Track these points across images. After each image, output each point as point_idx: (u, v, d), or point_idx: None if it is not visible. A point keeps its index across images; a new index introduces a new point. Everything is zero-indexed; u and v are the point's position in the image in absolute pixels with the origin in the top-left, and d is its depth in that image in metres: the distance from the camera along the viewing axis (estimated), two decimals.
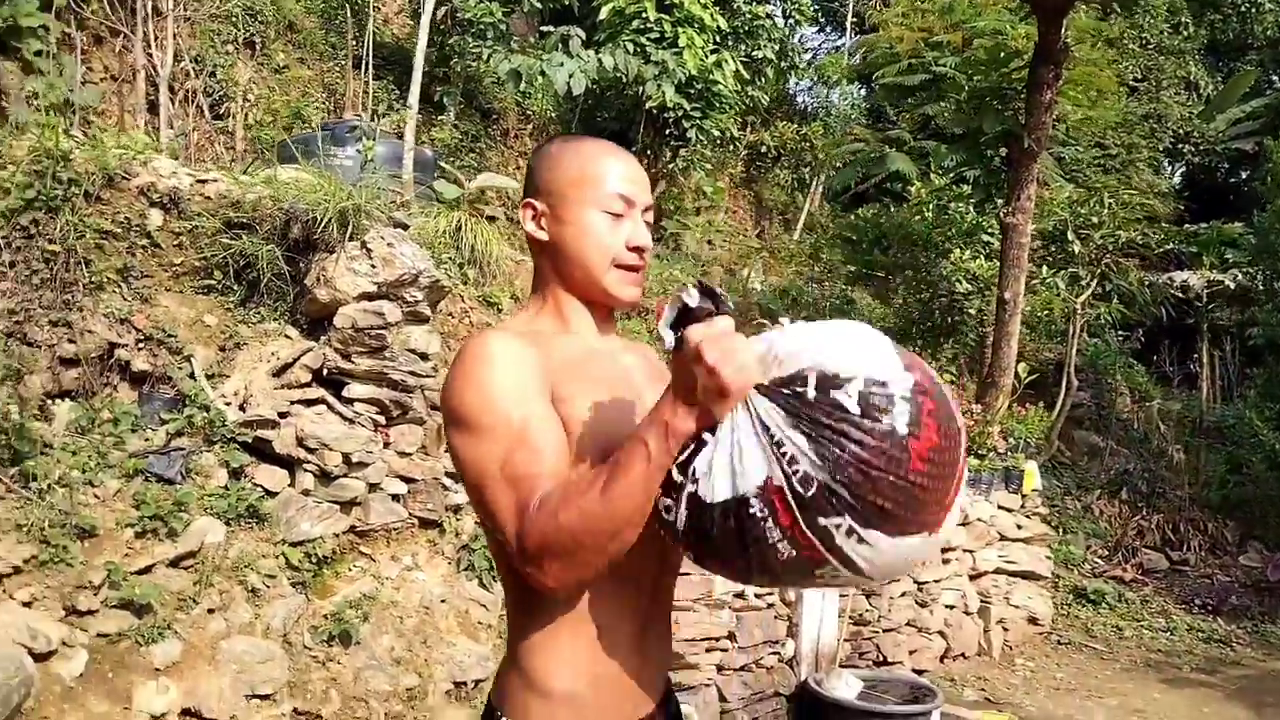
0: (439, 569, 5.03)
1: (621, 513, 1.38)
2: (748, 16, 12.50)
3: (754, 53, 12.69)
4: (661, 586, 1.72)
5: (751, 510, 1.32)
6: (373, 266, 4.83)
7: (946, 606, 6.35)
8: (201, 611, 4.11)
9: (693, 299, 1.37)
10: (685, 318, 1.36)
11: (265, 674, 4.10)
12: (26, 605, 3.65)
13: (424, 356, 5.04)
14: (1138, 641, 7.53)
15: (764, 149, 15.53)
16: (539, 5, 11.00)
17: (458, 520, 5.19)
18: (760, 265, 14.35)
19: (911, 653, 5.97)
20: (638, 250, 1.68)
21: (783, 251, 14.54)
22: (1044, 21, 7.08)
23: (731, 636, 4.89)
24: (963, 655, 6.45)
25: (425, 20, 7.38)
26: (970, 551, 6.63)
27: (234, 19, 10.41)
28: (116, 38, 9.12)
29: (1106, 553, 9.01)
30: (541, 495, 1.45)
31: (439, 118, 10.92)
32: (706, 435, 1.37)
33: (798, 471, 1.30)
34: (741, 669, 4.96)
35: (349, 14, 10.97)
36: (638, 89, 10.38)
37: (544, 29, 11.27)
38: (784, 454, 1.30)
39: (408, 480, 4.99)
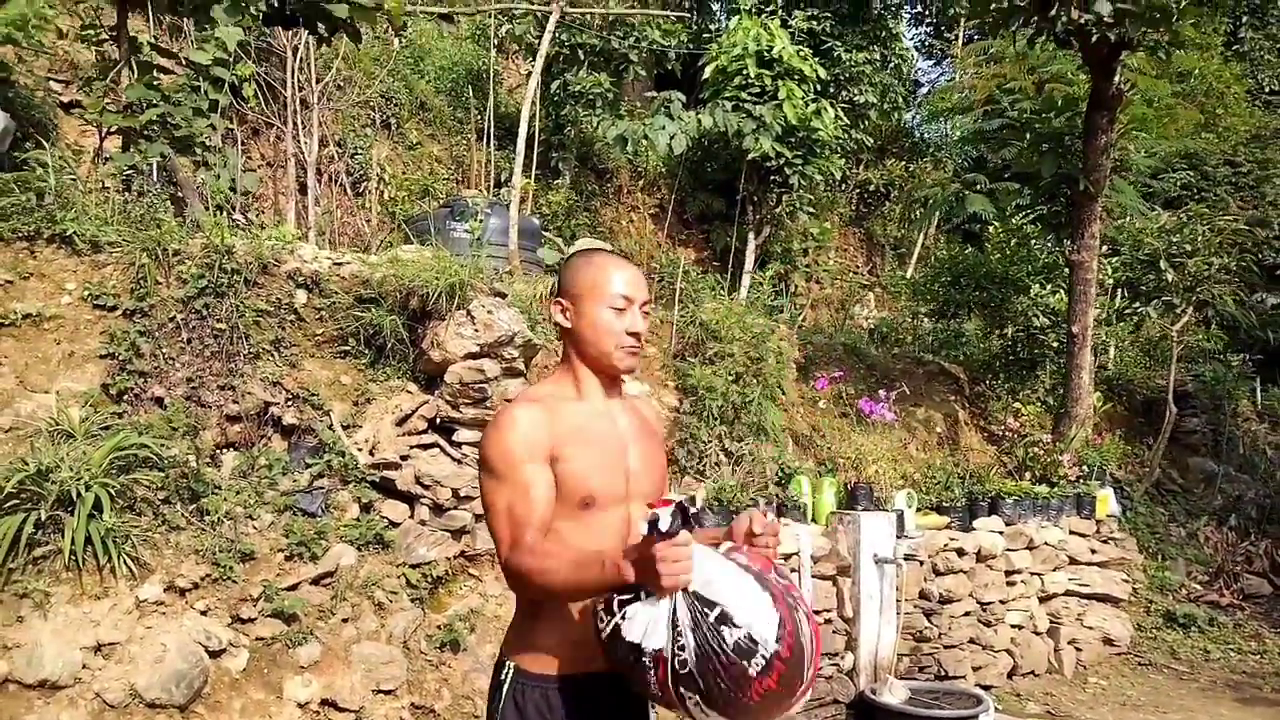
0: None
1: (571, 587, 2.16)
2: (848, 65, 13.04)
3: (856, 98, 13.24)
4: None
5: (644, 660, 2.05)
6: (475, 330, 5.70)
7: (1013, 626, 6.72)
8: (337, 621, 5.01)
9: (664, 524, 2.05)
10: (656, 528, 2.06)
11: (388, 673, 4.96)
12: (203, 614, 4.62)
13: None
14: (1224, 664, 7.64)
15: (872, 187, 15.97)
16: (642, 73, 11.89)
17: None
18: (871, 301, 14.81)
19: (976, 669, 6.37)
20: (635, 335, 2.39)
21: (895, 286, 14.92)
22: (1095, 70, 7.46)
23: None
24: (1032, 673, 6.79)
25: (528, 100, 8.29)
26: (1038, 574, 6.97)
27: (372, 104, 11.71)
28: (270, 129, 10.48)
29: (1207, 578, 9.08)
30: (528, 538, 2.24)
31: (555, 182, 11.90)
32: (645, 594, 2.08)
33: (681, 656, 2.02)
34: None
35: (471, 92, 12.12)
36: (741, 143, 11.07)
37: (649, 94, 12.15)
38: (679, 642, 2.02)
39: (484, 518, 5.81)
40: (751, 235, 12.29)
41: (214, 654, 4.51)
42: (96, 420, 5.01)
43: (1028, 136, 8.56)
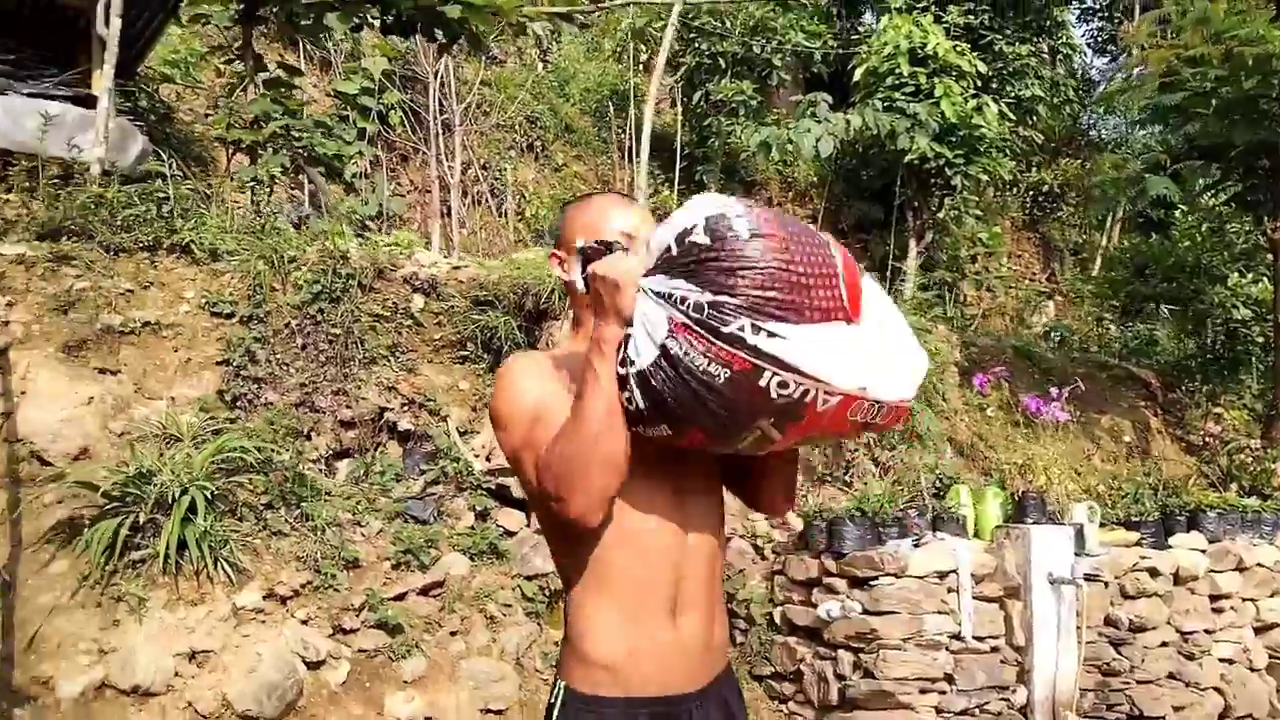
0: None
1: (593, 422, 1.70)
2: (1010, 58, 12.17)
3: (1021, 93, 12.33)
4: (690, 571, 1.90)
5: (673, 350, 1.60)
6: None
7: (1223, 660, 5.74)
8: (445, 634, 4.71)
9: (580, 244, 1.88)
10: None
11: (498, 692, 4.61)
12: (303, 623, 4.40)
13: None
14: None
15: (1046, 188, 14.86)
16: (786, 78, 11.43)
17: None
18: (1051, 309, 13.69)
19: (1178, 709, 5.44)
20: None
21: (1076, 292, 13.76)
22: None
23: (949, 679, 4.79)
24: (1249, 716, 5.77)
25: (650, 102, 7.96)
26: (1251, 600, 5.95)
27: (517, 128, 11.72)
28: (418, 155, 10.60)
29: None
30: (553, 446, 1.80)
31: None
32: (629, 330, 1.70)
33: (688, 304, 1.59)
34: (963, 713, 4.82)
35: (614, 110, 11.96)
36: (895, 144, 10.44)
37: (794, 99, 11.67)
38: (674, 299, 1.61)
39: None
40: (913, 242, 11.56)
41: (311, 665, 4.27)
42: (207, 425, 4.92)
43: (1213, 104, 7.57)
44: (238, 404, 5.21)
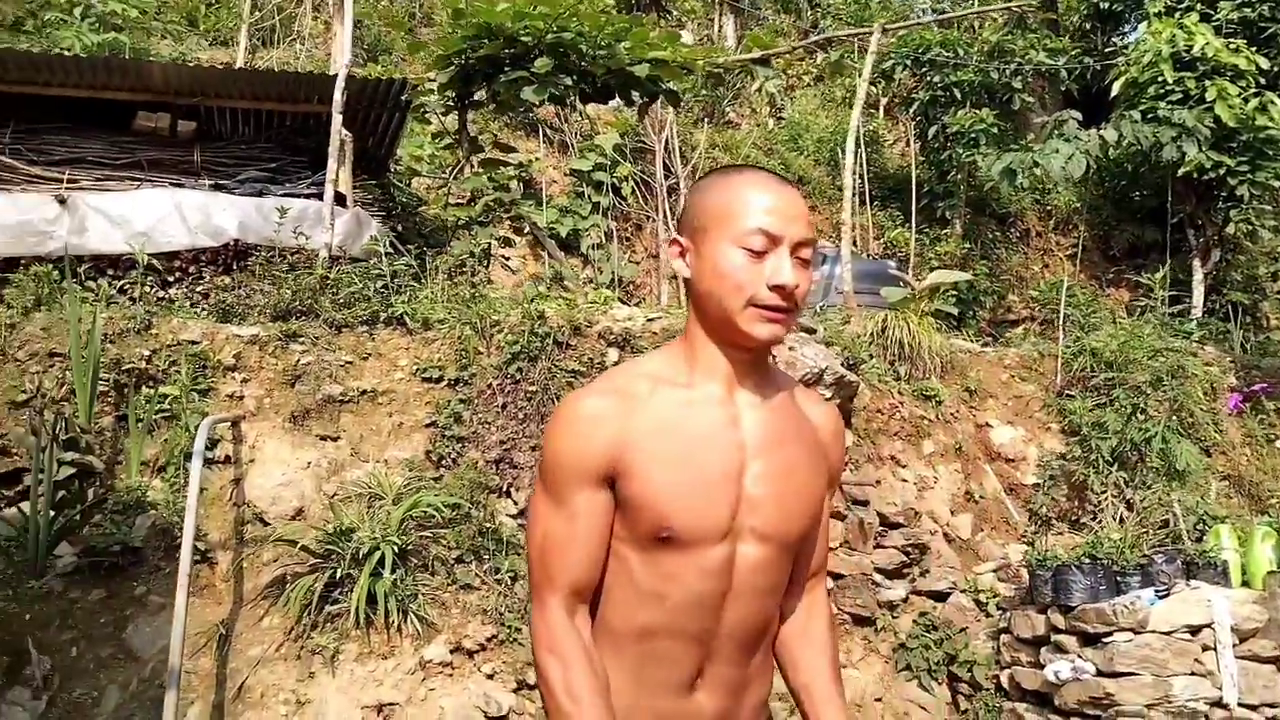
0: (874, 667, 4.93)
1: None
2: None
3: None
4: (721, 648, 1.65)
5: None
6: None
7: None
8: None
9: None
10: None
11: None
12: (489, 677, 4.41)
13: None
14: None
15: None
16: (1030, 100, 10.67)
17: (894, 618, 5.07)
18: None
19: None
20: (778, 289, 1.54)
21: None
22: None
23: None
24: None
25: (851, 134, 7.61)
26: None
27: None
28: (650, 222, 10.82)
29: None
30: (550, 604, 1.59)
31: (943, 232, 10.95)
32: None
33: None
34: None
35: (843, 155, 11.65)
36: (1160, 156, 9.45)
37: (1039, 120, 10.87)
38: None
39: (834, 576, 5.04)
40: (1197, 263, 10.33)
41: None
42: (411, 484, 5.13)
43: None
44: (442, 463, 5.41)
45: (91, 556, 4.52)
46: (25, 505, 4.50)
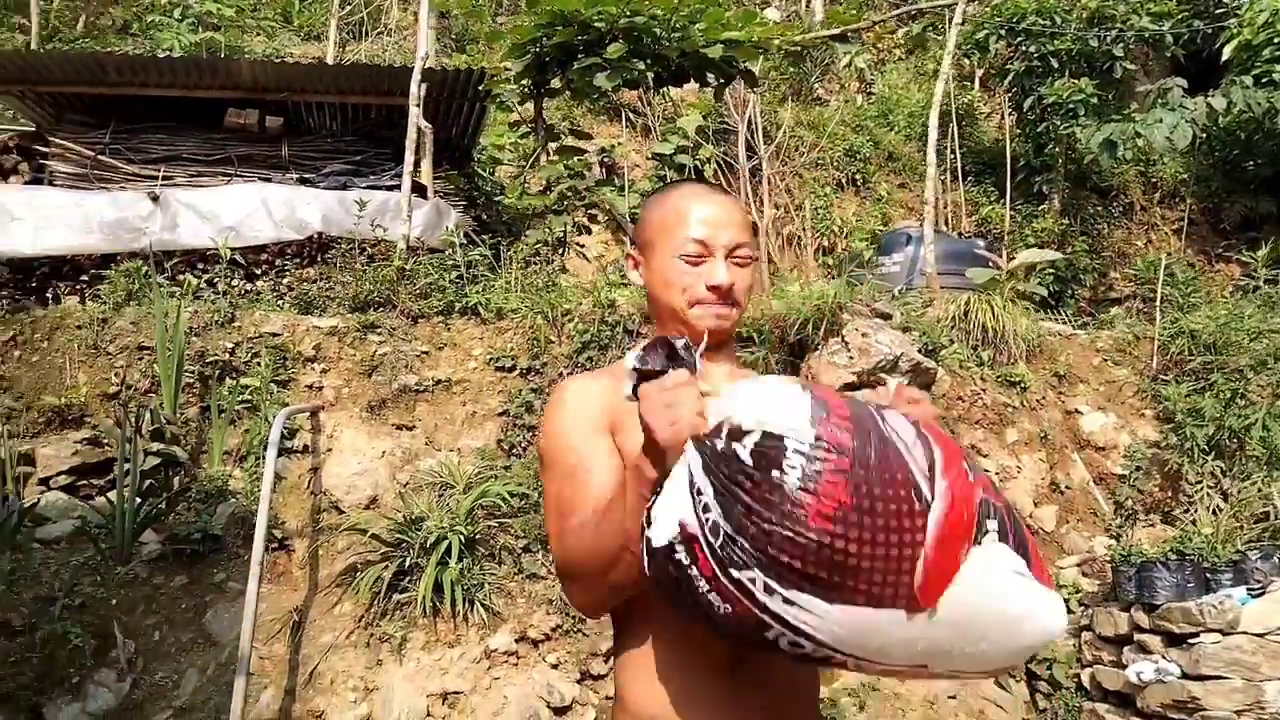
0: None
1: (606, 546, 1.49)
2: None
3: None
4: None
5: (677, 555, 1.32)
6: (850, 357, 4.99)
7: None
8: None
9: (629, 361, 1.49)
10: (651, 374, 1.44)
11: None
12: (553, 667, 4.44)
13: None
14: None
15: None
16: (1132, 68, 10.15)
17: None
18: None
19: None
20: (715, 289, 1.67)
21: None
22: None
23: None
24: None
25: (935, 107, 7.33)
26: None
27: (835, 164, 11.46)
28: None
29: None
30: (575, 521, 1.59)
31: (1040, 208, 10.53)
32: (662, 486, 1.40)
33: (709, 520, 1.28)
34: None
35: (941, 133, 11.29)
36: (1272, 123, 8.94)
37: (1142, 89, 10.34)
38: (701, 501, 1.30)
39: None
40: None
41: (556, 710, 4.28)
42: (483, 473, 5.18)
43: None
44: (513, 452, 5.45)
45: (175, 544, 4.69)
46: (114, 494, 4.69)
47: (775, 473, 1.22)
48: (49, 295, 6.38)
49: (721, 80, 6.83)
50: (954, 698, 4.68)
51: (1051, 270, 9.95)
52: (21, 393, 5.27)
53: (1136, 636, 4.24)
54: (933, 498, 1.26)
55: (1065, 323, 7.82)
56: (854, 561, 1.21)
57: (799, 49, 6.87)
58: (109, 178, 7.34)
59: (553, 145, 7.12)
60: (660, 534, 1.33)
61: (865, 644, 1.28)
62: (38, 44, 10.05)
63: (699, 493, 1.28)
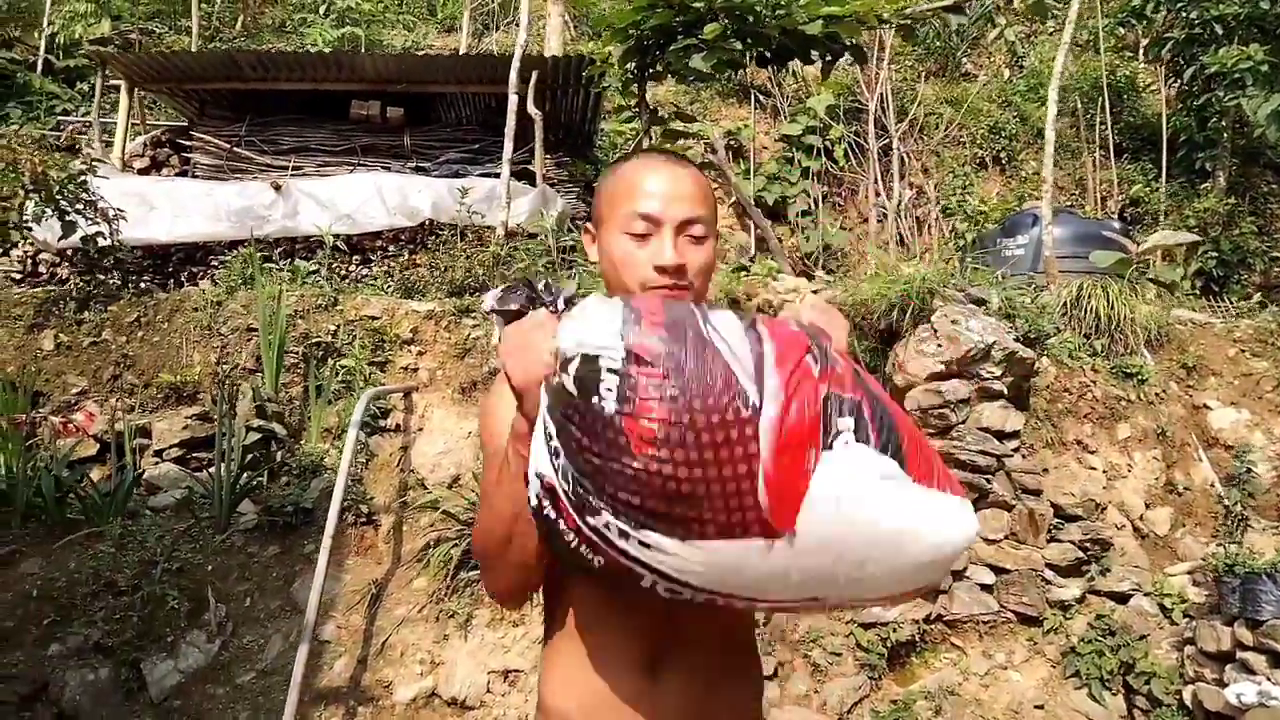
0: (1037, 671, 4.51)
1: (497, 513, 1.42)
2: None
3: None
4: (683, 628, 1.52)
5: (546, 511, 1.24)
6: (939, 346, 4.75)
7: None
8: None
9: (487, 303, 1.46)
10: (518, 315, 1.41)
11: None
12: None
13: (1001, 435, 4.69)
14: None
15: None
16: None
17: (1065, 619, 4.60)
18: None
19: None
20: (662, 270, 1.51)
21: None
22: None
23: None
24: None
25: (1055, 82, 6.82)
26: None
27: (978, 141, 10.94)
28: (864, 186, 10.37)
29: None
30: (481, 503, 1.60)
31: (1202, 186, 9.73)
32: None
33: (560, 465, 1.19)
34: None
35: (1098, 107, 10.61)
36: None
37: None
38: (552, 446, 1.21)
39: (997, 570, 4.64)
40: None
41: None
42: None
43: None
44: None
45: (270, 515, 4.94)
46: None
47: (595, 399, 1.12)
48: (183, 279, 6.83)
49: (827, 58, 6.59)
50: (1041, 707, 4.41)
51: (1214, 254, 9.20)
52: (143, 370, 5.66)
53: (1239, 654, 3.87)
54: (760, 401, 1.10)
55: (1221, 311, 7.18)
56: (687, 489, 1.10)
57: (909, 23, 6.52)
58: (243, 169, 7.79)
59: (657, 129, 7.06)
60: (531, 490, 1.26)
61: (737, 581, 1.16)
62: (199, 44, 10.74)
63: (550, 437, 1.19)
